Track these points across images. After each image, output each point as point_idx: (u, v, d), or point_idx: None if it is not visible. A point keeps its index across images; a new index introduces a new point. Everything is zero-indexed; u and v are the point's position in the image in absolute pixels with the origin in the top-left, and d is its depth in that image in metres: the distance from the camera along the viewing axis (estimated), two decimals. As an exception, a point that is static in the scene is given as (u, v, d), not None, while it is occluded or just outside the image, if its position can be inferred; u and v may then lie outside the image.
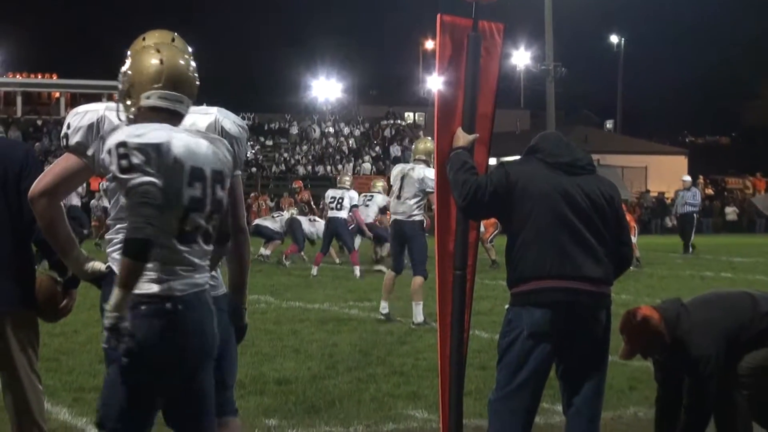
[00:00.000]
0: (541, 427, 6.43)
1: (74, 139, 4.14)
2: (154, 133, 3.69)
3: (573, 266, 4.86)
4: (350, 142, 57.80)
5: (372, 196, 20.30)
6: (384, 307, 12.09)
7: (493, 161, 5.62)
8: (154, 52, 3.93)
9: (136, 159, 3.61)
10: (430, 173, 11.29)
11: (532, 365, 4.90)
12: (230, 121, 4.28)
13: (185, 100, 3.94)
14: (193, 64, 4.02)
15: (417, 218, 11.95)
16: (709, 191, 55.93)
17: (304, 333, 11.02)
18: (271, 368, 8.72)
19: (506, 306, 5.10)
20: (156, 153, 3.63)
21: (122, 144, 3.64)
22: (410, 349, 9.96)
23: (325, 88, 70.42)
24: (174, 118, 3.89)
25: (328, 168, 53.76)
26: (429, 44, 74.87)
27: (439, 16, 5.29)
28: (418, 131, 60.58)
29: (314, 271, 18.65)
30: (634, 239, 5.26)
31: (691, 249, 26.16)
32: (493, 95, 5.50)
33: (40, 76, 59.73)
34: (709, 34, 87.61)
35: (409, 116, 70.75)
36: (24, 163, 4.74)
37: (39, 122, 54.28)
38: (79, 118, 4.17)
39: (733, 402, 5.65)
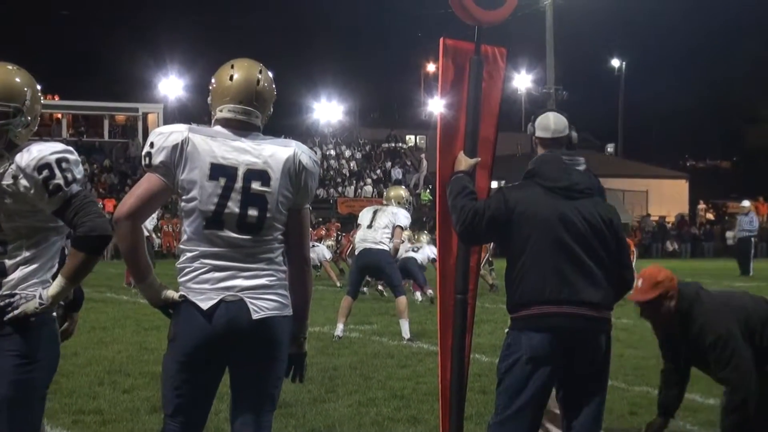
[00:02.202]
0: (542, 452, 6.39)
1: (158, 159, 4.21)
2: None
3: (572, 291, 4.86)
4: (351, 164, 57.81)
5: (420, 246, 20.77)
6: (340, 329, 12.62)
7: (494, 185, 5.62)
8: None
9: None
10: (402, 210, 12.87)
11: (531, 389, 4.89)
12: (307, 155, 4.39)
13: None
14: None
15: (385, 246, 12.67)
16: (710, 216, 55.94)
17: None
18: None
19: (506, 330, 5.09)
20: None
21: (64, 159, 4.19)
22: (411, 372, 9.93)
23: (327, 111, 70.47)
24: None
25: (330, 191, 53.75)
26: (430, 67, 74.92)
27: (441, 39, 5.31)
28: (420, 154, 60.64)
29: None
30: (633, 263, 5.35)
31: (750, 272, 26.95)
32: (495, 119, 5.51)
33: (41, 98, 59.69)
34: (710, 58, 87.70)
35: (411, 139, 70.75)
36: None
37: (41, 143, 54.28)
38: (163, 138, 4.23)
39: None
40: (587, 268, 4.91)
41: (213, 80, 4.42)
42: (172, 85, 64.49)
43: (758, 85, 77.98)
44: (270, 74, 4.45)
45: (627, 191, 55.46)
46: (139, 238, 4.22)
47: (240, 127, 4.33)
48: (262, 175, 4.26)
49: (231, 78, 4.34)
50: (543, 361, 4.87)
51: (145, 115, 58.60)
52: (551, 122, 6.15)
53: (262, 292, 4.25)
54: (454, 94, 5.35)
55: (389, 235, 12.60)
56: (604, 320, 4.98)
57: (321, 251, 22.29)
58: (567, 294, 4.86)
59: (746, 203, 29.58)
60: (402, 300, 12.71)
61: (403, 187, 19.98)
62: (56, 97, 60.49)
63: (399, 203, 13.11)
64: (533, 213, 4.92)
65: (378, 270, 13.11)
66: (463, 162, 5.21)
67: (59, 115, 59.28)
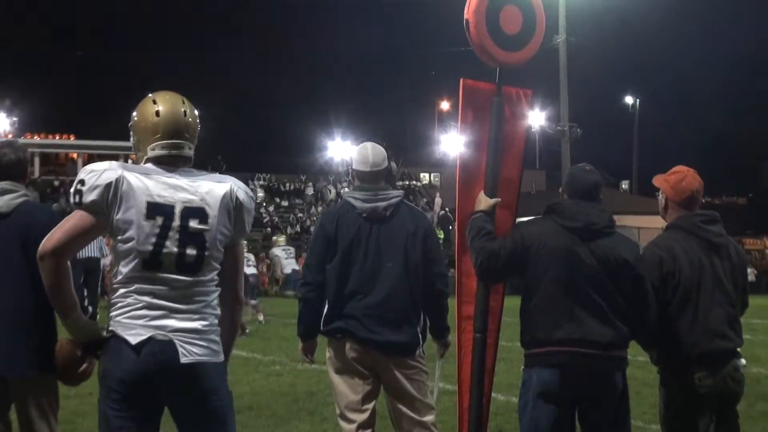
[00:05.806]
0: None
1: (89, 198, 4.03)
2: None
3: (583, 332, 4.86)
4: (365, 202, 57.77)
5: None
6: None
7: (513, 223, 5.59)
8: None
9: None
10: None
11: (545, 426, 4.88)
12: (243, 191, 4.28)
13: None
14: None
15: None
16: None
17: (319, 395, 10.93)
18: (285, 431, 8.63)
19: (522, 368, 5.07)
20: None
21: None
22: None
23: (341, 149, 70.70)
24: None
25: (344, 228, 53.74)
26: (444, 105, 75.24)
27: (461, 81, 5.27)
28: (434, 192, 60.66)
29: None
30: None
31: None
32: (519, 160, 5.46)
33: (57, 137, 60.08)
34: (724, 94, 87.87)
35: (425, 177, 70.88)
36: (48, 226, 4.59)
37: (56, 183, 54.56)
38: (95, 176, 4.05)
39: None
40: (599, 308, 4.91)
41: (135, 116, 4.26)
42: (186, 124, 64.72)
43: (773, 121, 77.90)
44: (191, 104, 4.33)
45: (642, 228, 55.24)
46: (64, 275, 4.05)
47: (172, 163, 4.19)
48: (200, 213, 4.12)
49: (157, 113, 4.20)
50: (553, 397, 4.87)
51: (159, 154, 58.75)
52: (369, 155, 5.98)
53: (193, 337, 4.07)
54: (475, 134, 5.32)
55: None
56: (617, 359, 4.98)
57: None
58: (578, 335, 4.86)
59: None
60: None
61: None
62: (72, 137, 60.85)
63: None
64: (548, 253, 4.92)
65: None
66: (483, 202, 5.18)
67: (75, 155, 59.59)
